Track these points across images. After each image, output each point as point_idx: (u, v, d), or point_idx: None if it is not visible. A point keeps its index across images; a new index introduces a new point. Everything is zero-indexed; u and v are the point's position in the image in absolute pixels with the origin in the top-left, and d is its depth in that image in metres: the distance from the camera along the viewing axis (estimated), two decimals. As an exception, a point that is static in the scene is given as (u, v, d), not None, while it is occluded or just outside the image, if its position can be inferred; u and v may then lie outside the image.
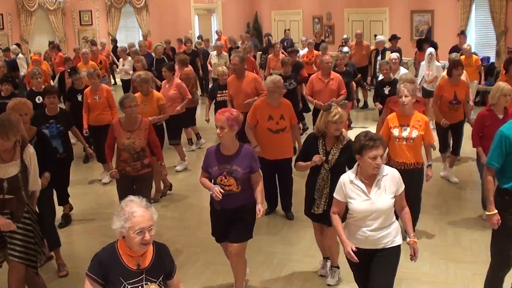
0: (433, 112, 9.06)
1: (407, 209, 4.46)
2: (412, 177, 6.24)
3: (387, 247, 4.40)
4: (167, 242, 6.85)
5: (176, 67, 11.37)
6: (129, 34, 22.40)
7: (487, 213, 4.83)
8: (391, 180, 4.31)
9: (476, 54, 14.21)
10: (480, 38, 16.12)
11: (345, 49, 13.45)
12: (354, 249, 4.30)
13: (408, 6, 17.68)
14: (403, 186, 4.39)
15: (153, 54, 15.37)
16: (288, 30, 21.45)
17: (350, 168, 5.20)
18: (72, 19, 21.57)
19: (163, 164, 6.99)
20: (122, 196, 6.55)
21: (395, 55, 10.97)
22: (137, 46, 15.62)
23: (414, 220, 6.42)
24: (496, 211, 4.72)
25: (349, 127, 12.15)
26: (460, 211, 7.70)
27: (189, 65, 11.68)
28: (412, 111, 6.44)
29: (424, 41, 14.23)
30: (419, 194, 6.68)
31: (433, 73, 11.59)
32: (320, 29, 20.19)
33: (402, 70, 10.28)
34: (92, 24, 22.02)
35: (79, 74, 10.11)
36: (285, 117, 7.19)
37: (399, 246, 4.47)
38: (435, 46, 13.18)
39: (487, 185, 4.79)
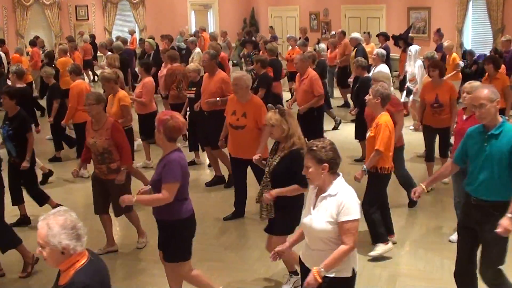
0: (417, 114, 8.92)
1: (342, 247, 3.73)
2: (367, 178, 6.24)
3: (329, 275, 3.80)
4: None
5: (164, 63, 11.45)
6: (126, 29, 22.27)
7: None
8: (335, 202, 3.77)
9: (472, 52, 14.20)
10: (476, 36, 16.13)
11: (321, 46, 13.19)
12: (277, 251, 4.29)
13: (405, 3, 17.68)
14: (349, 217, 3.73)
15: (136, 50, 15.37)
16: (271, 27, 21.51)
17: (293, 180, 5.02)
18: (68, 14, 21.49)
19: (122, 169, 6.35)
20: (93, 197, 6.62)
21: (376, 51, 10.95)
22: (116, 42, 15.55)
23: (371, 229, 6.30)
24: (421, 186, 5.06)
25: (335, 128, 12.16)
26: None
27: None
28: (378, 111, 6.13)
29: (399, 38, 14.10)
30: (366, 197, 6.23)
31: (413, 71, 11.58)
32: (304, 26, 20.07)
33: (379, 68, 10.11)
34: (88, 19, 21.94)
35: (43, 70, 10.17)
36: (248, 116, 6.92)
37: (343, 279, 3.85)
38: (408, 44, 13.18)
39: (440, 168, 5.08)
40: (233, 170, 7.57)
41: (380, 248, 6.23)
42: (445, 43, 12.70)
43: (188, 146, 9.94)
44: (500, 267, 4.69)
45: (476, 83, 6.27)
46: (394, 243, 6.55)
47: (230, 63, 20.86)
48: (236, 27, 22.91)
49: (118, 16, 22.53)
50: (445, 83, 8.31)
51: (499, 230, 4.37)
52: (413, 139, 10.10)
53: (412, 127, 11.05)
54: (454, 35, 15.91)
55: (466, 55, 14.39)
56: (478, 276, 4.84)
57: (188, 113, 9.57)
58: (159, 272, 6.07)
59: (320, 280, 3.71)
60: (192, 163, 9.86)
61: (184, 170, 4.86)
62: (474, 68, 13.33)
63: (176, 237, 4.96)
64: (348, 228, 3.72)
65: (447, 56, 12.50)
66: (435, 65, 8.34)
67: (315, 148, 3.78)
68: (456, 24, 16.03)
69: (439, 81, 8.22)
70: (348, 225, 3.72)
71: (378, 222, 6.27)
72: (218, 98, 8.30)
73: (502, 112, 8.94)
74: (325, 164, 3.76)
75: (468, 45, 15.98)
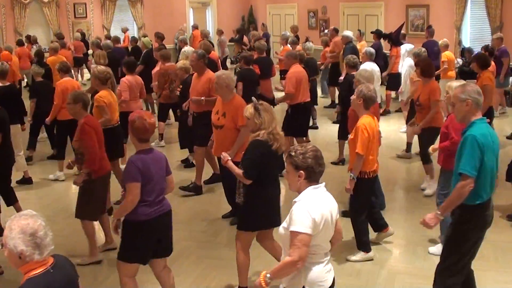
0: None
1: (287, 258, 3.56)
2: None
3: (283, 285, 3.73)
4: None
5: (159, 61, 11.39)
6: (124, 27, 22.26)
7: None
8: (291, 209, 3.62)
9: (470, 50, 14.19)
10: (475, 33, 16.13)
11: (309, 44, 13.06)
12: None
13: (404, 1, 17.68)
14: (294, 227, 3.51)
15: (129, 47, 15.38)
16: (263, 24, 21.49)
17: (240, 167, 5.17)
18: (66, 12, 21.46)
19: (81, 172, 6.25)
20: None
21: (364, 49, 10.91)
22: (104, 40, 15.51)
23: (356, 235, 6.23)
24: None
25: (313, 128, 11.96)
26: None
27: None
28: (361, 113, 6.02)
29: (386, 36, 14.06)
30: (352, 204, 6.25)
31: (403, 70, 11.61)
32: (296, 24, 20.11)
33: (363, 66, 9.94)
34: (86, 16, 21.91)
35: (31, 69, 10.29)
36: (227, 116, 6.85)
37: None
38: (396, 43, 13.19)
39: None
40: (221, 170, 7.53)
41: (360, 256, 6.18)
42: (440, 41, 12.71)
43: (179, 144, 9.85)
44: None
45: (455, 83, 6.13)
46: (391, 234, 6.57)
47: (229, 60, 20.92)
48: (234, 25, 22.90)
49: (116, 14, 22.50)
50: (430, 83, 8.04)
51: (420, 220, 4.66)
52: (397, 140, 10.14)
53: (403, 129, 11.15)
54: (453, 32, 15.92)
55: (465, 52, 14.40)
56: (476, 274, 4.86)
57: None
58: (157, 270, 6.09)
59: (264, 285, 3.59)
60: (186, 161, 9.86)
61: (144, 171, 4.71)
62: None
63: (125, 236, 4.90)
64: (292, 239, 3.51)
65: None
66: (416, 64, 8.34)
67: (293, 153, 3.64)
68: (455, 21, 16.03)
69: (425, 80, 8.06)
70: (293, 236, 3.50)
71: (363, 232, 6.20)
72: (202, 98, 8.21)
73: (490, 111, 8.86)
74: (301, 171, 3.59)
75: (466, 43, 15.99)
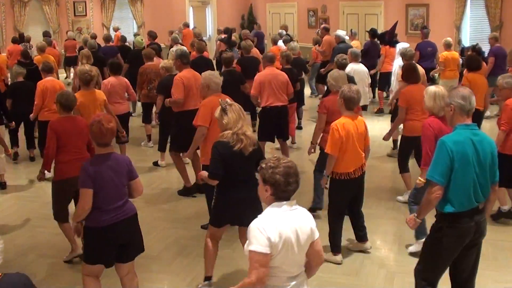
0: None
1: (247, 279, 3.39)
2: None
3: None
4: (160, 234, 6.89)
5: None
6: (124, 25, 22.23)
7: None
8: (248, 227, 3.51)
9: (469, 49, 14.17)
10: (475, 32, 16.14)
11: (293, 44, 12.96)
12: None
13: (403, 0, 17.67)
14: (250, 246, 3.34)
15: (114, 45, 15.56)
16: (256, 24, 21.49)
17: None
18: (66, 10, 21.42)
19: (41, 170, 6.38)
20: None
21: (349, 50, 10.91)
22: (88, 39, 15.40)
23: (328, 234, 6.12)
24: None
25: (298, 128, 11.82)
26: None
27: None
28: (343, 112, 5.92)
29: (379, 36, 14.10)
30: (329, 199, 6.18)
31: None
32: (285, 24, 20.14)
33: (349, 66, 9.84)
34: (86, 15, 21.88)
35: (13, 68, 10.29)
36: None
37: None
38: (387, 43, 13.21)
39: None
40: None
41: (328, 256, 5.95)
42: (443, 41, 12.69)
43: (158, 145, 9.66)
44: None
45: (431, 87, 6.03)
46: (368, 248, 6.38)
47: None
48: (234, 24, 22.88)
49: (116, 12, 22.45)
50: (405, 87, 7.67)
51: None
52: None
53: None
54: (452, 32, 15.92)
55: (464, 52, 14.38)
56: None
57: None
58: (157, 268, 6.09)
59: None
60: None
61: (95, 177, 4.60)
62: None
63: (85, 240, 4.88)
64: (250, 259, 3.34)
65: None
66: (402, 67, 8.21)
67: (264, 165, 3.47)
68: (454, 21, 16.04)
69: (406, 84, 7.73)
70: (250, 257, 3.33)
71: (333, 232, 6.08)
72: (168, 99, 8.17)
73: (479, 113, 8.70)
74: (267, 186, 3.43)
75: (466, 42, 15.98)
